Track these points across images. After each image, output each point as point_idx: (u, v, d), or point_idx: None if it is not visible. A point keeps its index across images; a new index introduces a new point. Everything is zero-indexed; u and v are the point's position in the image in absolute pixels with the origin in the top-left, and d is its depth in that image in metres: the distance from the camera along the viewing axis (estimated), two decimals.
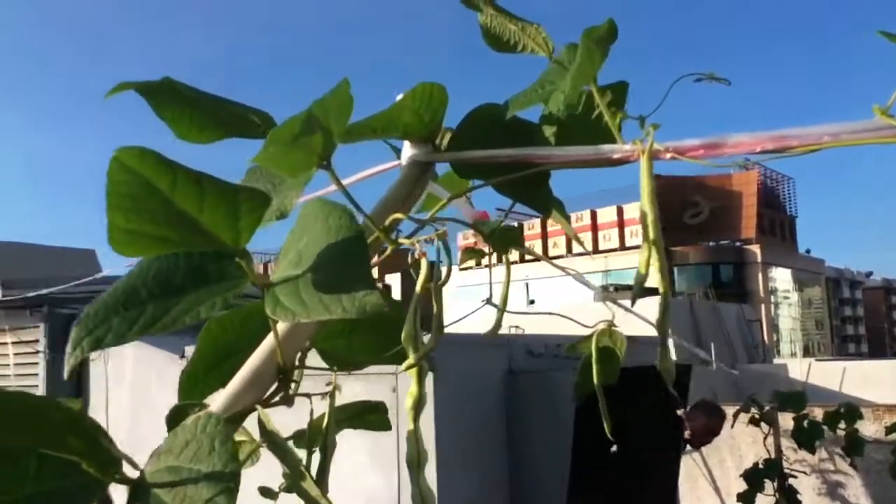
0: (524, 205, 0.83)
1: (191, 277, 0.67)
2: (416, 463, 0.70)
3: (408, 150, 0.81)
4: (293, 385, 0.73)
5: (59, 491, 0.60)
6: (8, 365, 4.99)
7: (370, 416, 0.86)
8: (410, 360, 0.70)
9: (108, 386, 4.62)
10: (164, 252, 0.62)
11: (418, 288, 0.71)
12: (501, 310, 0.85)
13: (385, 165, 0.88)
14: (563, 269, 0.99)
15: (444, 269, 0.76)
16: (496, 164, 0.78)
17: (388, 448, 3.03)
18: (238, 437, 0.76)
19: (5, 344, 5.00)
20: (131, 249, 0.60)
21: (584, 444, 2.97)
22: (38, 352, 4.93)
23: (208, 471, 0.57)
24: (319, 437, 0.76)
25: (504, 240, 0.82)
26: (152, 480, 0.59)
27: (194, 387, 0.80)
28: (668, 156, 0.66)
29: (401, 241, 0.73)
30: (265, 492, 0.81)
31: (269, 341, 0.72)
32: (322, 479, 0.75)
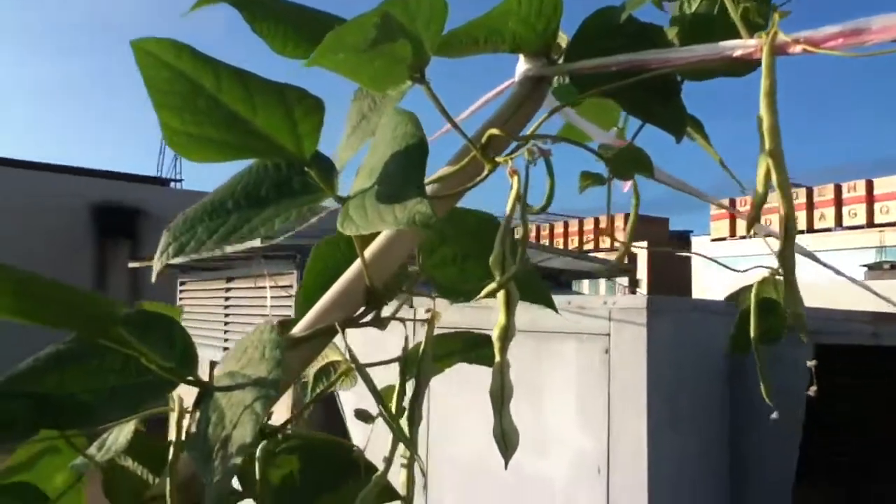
0: (653, 123, 0.74)
1: (275, 190, 0.67)
2: (499, 398, 0.65)
3: (521, 65, 0.75)
4: (385, 307, 0.71)
5: (138, 385, 0.62)
6: (265, 306, 5.55)
7: (483, 350, 0.82)
8: (494, 283, 0.64)
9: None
10: (226, 158, 0.62)
11: (508, 207, 0.65)
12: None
13: (499, 87, 0.82)
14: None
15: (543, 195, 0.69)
16: (617, 74, 0.70)
17: (597, 407, 2.96)
18: (332, 356, 0.76)
19: (264, 288, 5.56)
20: (195, 154, 0.61)
21: (819, 424, 2.69)
22: (290, 296, 5.42)
23: (255, 377, 0.57)
24: (414, 366, 0.74)
25: (627, 163, 0.73)
26: (216, 384, 0.60)
27: (307, 304, 0.81)
28: (799, 48, 0.54)
29: (497, 159, 0.68)
30: (361, 414, 0.81)
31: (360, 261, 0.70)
32: (413, 411, 0.72)
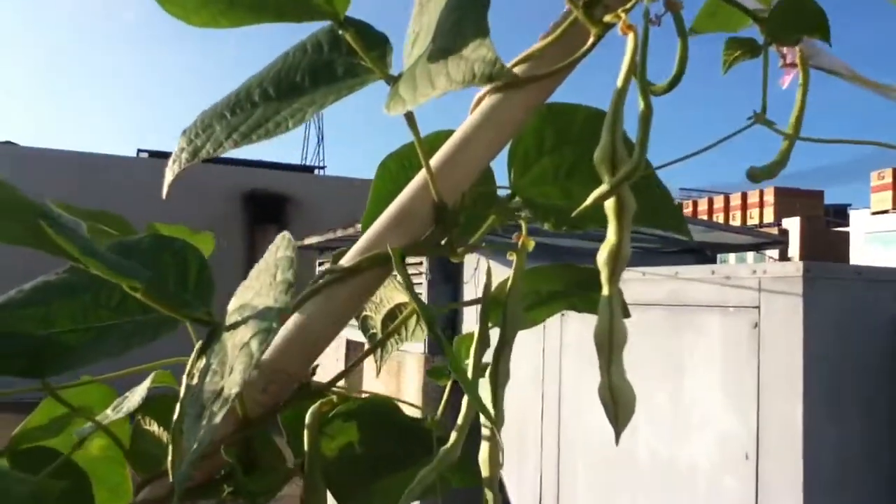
0: None
1: (312, 76, 0.51)
2: (607, 343, 0.47)
3: None
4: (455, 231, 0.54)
5: (137, 323, 0.49)
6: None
7: (594, 291, 0.63)
8: (604, 186, 0.46)
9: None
10: (234, 21, 0.47)
11: (620, 79, 0.46)
12: None
13: None
14: None
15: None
16: None
17: (745, 387, 2.67)
18: (390, 292, 0.59)
19: None
20: (195, 15, 0.46)
21: None
22: (420, 273, 5.35)
23: (262, 306, 0.42)
24: (499, 310, 0.56)
25: (791, 21, 0.52)
26: (228, 321, 0.46)
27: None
28: None
29: (606, 18, 0.49)
30: (435, 372, 0.64)
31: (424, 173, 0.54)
32: (497, 368, 0.55)
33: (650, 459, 3.17)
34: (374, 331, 0.66)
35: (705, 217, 15.95)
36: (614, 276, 0.47)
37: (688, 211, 16.34)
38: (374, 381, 6.02)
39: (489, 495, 0.54)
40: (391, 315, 0.64)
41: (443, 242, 0.55)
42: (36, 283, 0.50)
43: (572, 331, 3.81)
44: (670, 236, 7.01)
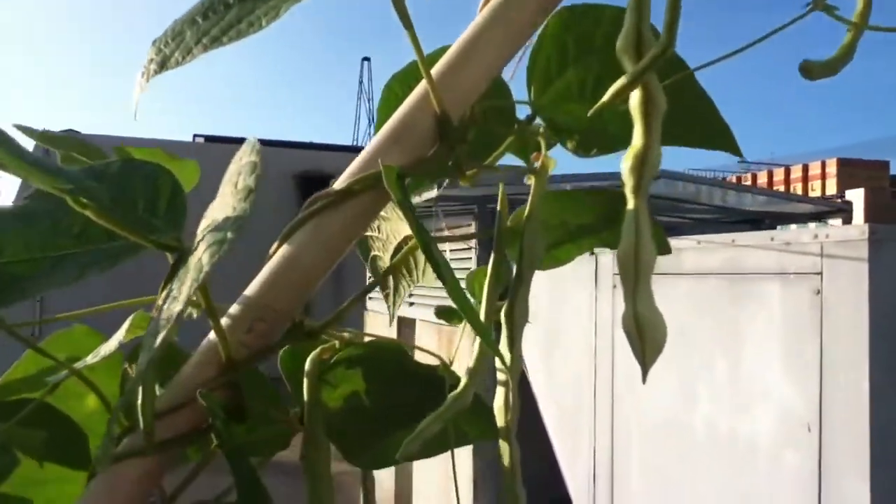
0: None
1: None
2: (632, 266, 0.40)
3: None
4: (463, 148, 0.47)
5: (99, 251, 0.44)
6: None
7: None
8: (626, 76, 0.39)
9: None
10: None
11: None
12: None
13: None
14: None
15: None
16: None
17: (806, 357, 2.55)
18: (396, 225, 0.53)
19: (443, 243, 5.46)
20: None
21: None
22: (470, 247, 5.28)
23: (220, 219, 0.36)
24: (515, 241, 0.49)
25: None
26: (195, 242, 0.40)
27: None
28: None
29: None
30: (443, 313, 0.58)
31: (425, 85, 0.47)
32: (514, 306, 0.48)
33: (708, 434, 3.06)
34: (383, 269, 0.59)
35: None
36: (641, 188, 0.40)
37: (747, 184, 15.91)
38: (421, 356, 5.99)
39: (504, 447, 0.47)
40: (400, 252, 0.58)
41: (450, 163, 0.48)
42: None
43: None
44: (729, 206, 6.78)
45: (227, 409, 0.49)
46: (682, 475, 3.22)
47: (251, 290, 0.48)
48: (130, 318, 0.51)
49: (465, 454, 4.92)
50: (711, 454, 3.03)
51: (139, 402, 0.43)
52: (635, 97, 0.40)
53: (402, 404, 0.55)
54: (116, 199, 0.45)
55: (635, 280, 0.39)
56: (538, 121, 0.55)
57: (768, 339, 2.74)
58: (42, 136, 0.50)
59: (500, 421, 0.48)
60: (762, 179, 15.79)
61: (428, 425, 0.45)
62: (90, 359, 0.50)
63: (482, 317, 0.48)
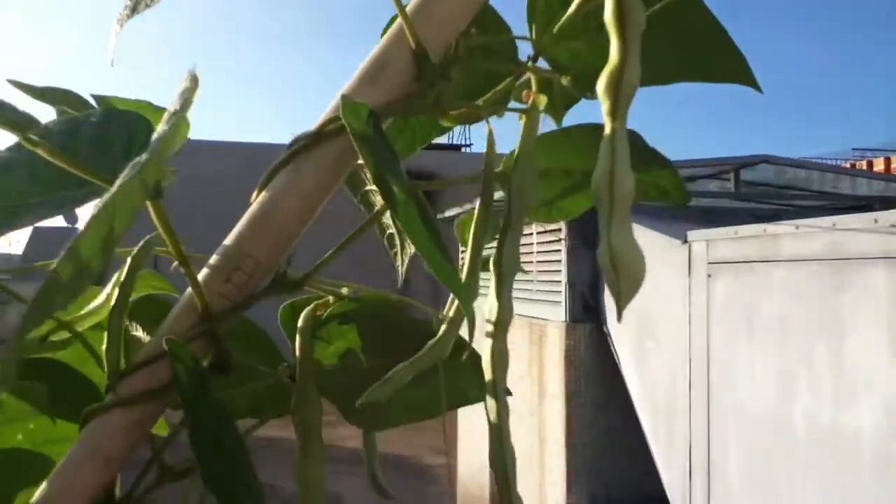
0: None
1: None
2: (606, 198, 0.36)
3: None
4: (445, 84, 0.44)
5: (68, 195, 0.43)
6: (532, 252, 5.39)
7: (661, 172, 0.51)
8: None
9: None
10: None
11: None
12: None
13: None
14: None
15: None
16: None
17: None
18: None
19: (530, 234, 5.40)
20: None
21: None
22: (559, 240, 5.20)
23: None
24: (507, 185, 0.46)
25: None
26: None
27: None
28: None
29: None
30: None
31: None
32: (502, 253, 0.45)
33: (809, 427, 2.90)
34: (388, 227, 0.57)
35: None
36: (618, 109, 0.36)
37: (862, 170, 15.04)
38: (513, 350, 5.95)
39: (491, 403, 0.44)
40: None
41: (425, 102, 0.45)
42: None
43: (720, 293, 3.56)
44: (841, 193, 6.40)
45: (211, 362, 0.48)
46: (781, 471, 3.06)
47: (229, 239, 0.47)
48: (126, 265, 0.50)
49: (558, 452, 4.86)
50: (813, 449, 2.87)
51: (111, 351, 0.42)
52: (609, 8, 0.36)
53: (398, 361, 0.52)
54: (94, 145, 0.45)
55: (610, 210, 0.36)
56: (542, 63, 0.51)
57: (873, 327, 2.57)
58: (35, 91, 0.50)
59: (487, 374, 0.45)
60: (879, 166, 14.90)
61: (401, 372, 0.43)
62: (84, 314, 0.50)
63: (467, 265, 0.45)
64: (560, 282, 5.00)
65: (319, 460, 0.49)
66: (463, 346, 0.52)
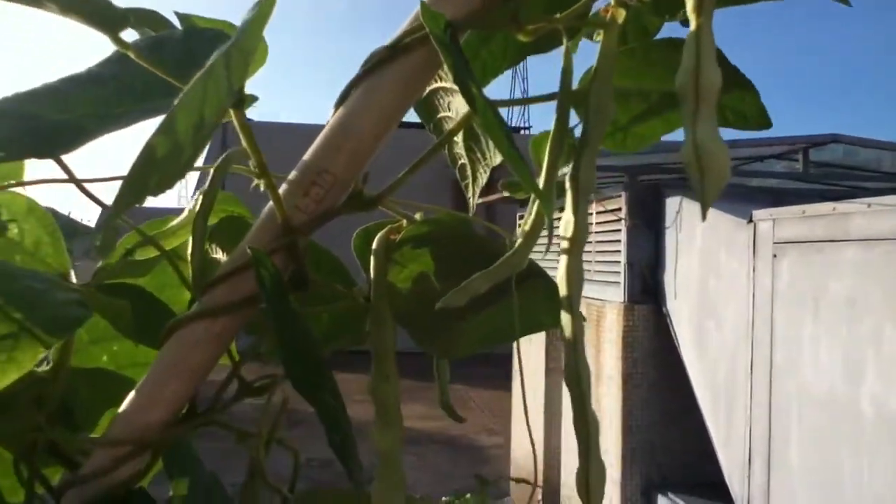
0: None
1: None
2: (691, 92, 0.35)
3: None
4: None
5: (154, 105, 0.44)
6: (591, 232, 5.34)
7: (747, 94, 0.50)
8: None
9: (678, 251, 4.57)
10: None
11: None
12: None
13: None
14: None
15: None
16: None
17: None
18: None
19: (589, 214, 5.34)
20: None
21: None
22: (619, 219, 5.14)
23: None
24: (583, 102, 0.45)
25: None
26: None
27: None
28: None
29: None
30: (511, 186, 0.54)
31: None
32: (579, 172, 0.45)
33: (876, 413, 2.82)
34: (460, 157, 0.57)
35: None
36: (703, 5, 0.36)
37: None
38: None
39: (566, 318, 0.44)
40: (472, 133, 0.55)
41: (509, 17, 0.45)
42: (64, 77, 0.47)
43: (785, 273, 3.48)
44: None
45: (290, 277, 0.49)
46: (845, 457, 2.99)
47: (308, 155, 0.47)
48: (205, 185, 0.52)
49: (614, 433, 4.82)
50: (880, 434, 2.79)
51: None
52: None
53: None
54: (179, 60, 0.46)
55: (696, 105, 0.35)
56: None
57: None
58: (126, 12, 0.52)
59: (562, 290, 0.45)
60: None
61: (477, 280, 0.43)
62: (166, 234, 0.52)
63: (544, 178, 0.45)
64: (619, 262, 4.95)
65: (393, 380, 0.50)
66: (536, 270, 0.52)
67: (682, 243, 4.56)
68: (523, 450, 6.55)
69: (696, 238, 4.38)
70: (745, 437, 3.79)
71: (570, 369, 0.44)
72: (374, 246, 0.52)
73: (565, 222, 0.45)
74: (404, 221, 0.53)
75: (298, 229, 0.47)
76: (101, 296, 0.52)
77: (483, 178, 0.57)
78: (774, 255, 3.56)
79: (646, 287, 4.84)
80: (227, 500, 0.61)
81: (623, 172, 5.23)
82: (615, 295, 4.93)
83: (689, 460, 4.70)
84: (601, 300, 5.11)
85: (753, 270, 3.73)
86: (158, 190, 0.33)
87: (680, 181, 4.98)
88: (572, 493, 5.67)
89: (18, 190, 0.56)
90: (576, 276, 0.45)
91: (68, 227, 0.63)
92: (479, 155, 0.55)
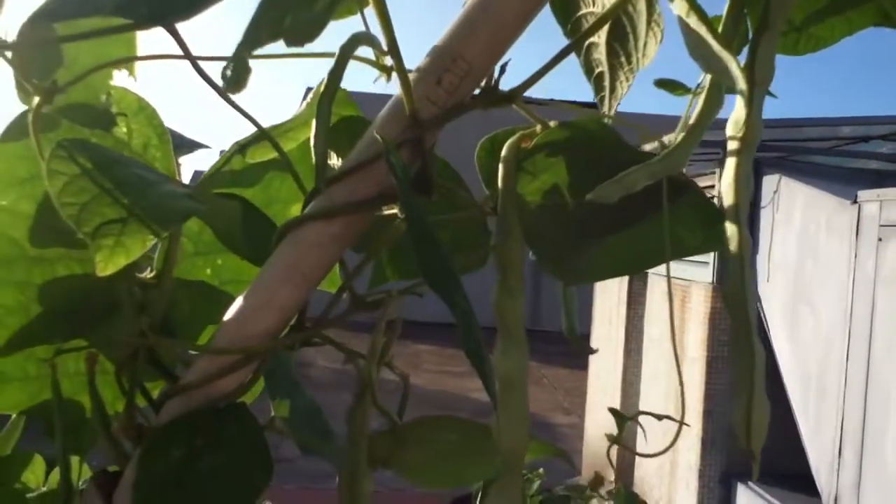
0: None
1: None
2: None
3: None
4: None
5: None
6: None
7: None
8: None
9: (774, 230, 4.38)
10: None
11: None
12: None
13: None
14: None
15: None
16: None
17: None
18: None
19: None
20: None
21: None
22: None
23: None
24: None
25: None
26: None
27: None
28: None
29: None
30: (667, 83, 0.48)
31: None
32: (755, 59, 0.39)
33: None
34: (598, 64, 0.52)
35: None
36: None
37: None
38: (654, 310, 5.75)
39: (732, 230, 0.39)
40: (618, 30, 0.49)
41: None
42: None
43: (891, 258, 3.28)
44: None
45: (415, 177, 0.44)
46: None
47: (442, 39, 0.43)
48: (315, 93, 0.48)
49: (694, 417, 4.69)
50: None
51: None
52: None
53: (613, 203, 0.47)
54: None
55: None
56: None
57: None
58: None
59: (727, 199, 0.39)
60: None
61: (634, 174, 0.37)
62: (281, 122, 0.48)
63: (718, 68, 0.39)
64: None
65: (518, 295, 0.45)
66: (685, 183, 0.46)
67: (778, 223, 4.36)
68: (598, 427, 6.46)
69: (795, 218, 4.18)
70: (836, 429, 3.62)
71: (735, 288, 0.38)
72: (503, 153, 0.47)
73: (735, 119, 0.39)
74: (538, 127, 0.47)
75: (427, 124, 0.42)
76: (212, 196, 0.49)
77: (623, 90, 0.51)
78: (880, 239, 3.36)
79: None
80: (326, 426, 0.58)
81: (719, 149, 5.03)
82: (703, 275, 4.77)
83: (772, 449, 4.54)
84: (687, 280, 4.96)
85: (855, 254, 3.53)
86: (295, 34, 0.29)
87: (779, 159, 4.76)
88: (645, 475, 5.56)
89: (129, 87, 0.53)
90: (745, 181, 0.39)
91: (174, 138, 0.61)
92: (622, 59, 0.49)
